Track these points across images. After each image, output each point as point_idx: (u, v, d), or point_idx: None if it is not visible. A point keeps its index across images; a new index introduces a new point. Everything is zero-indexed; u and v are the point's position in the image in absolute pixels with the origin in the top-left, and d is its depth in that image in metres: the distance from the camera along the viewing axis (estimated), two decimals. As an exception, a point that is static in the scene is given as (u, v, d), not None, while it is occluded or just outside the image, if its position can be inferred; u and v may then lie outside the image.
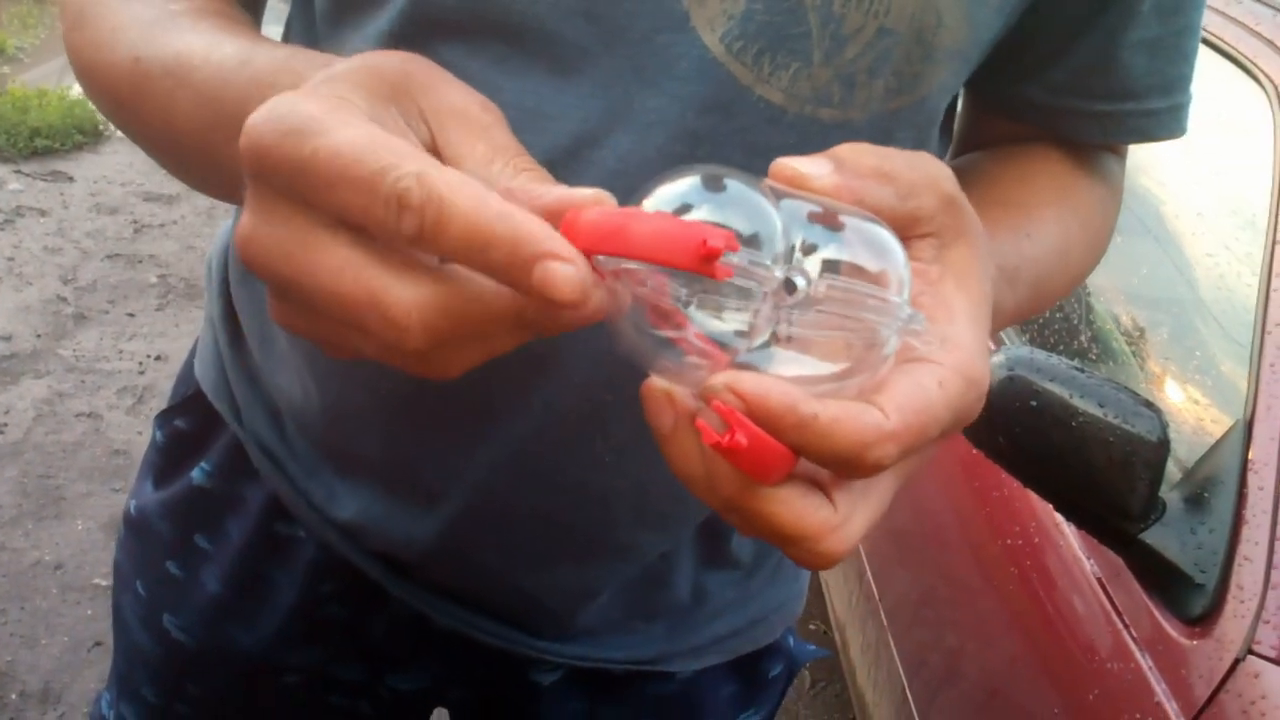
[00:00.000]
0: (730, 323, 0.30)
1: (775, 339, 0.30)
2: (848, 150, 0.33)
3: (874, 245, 0.31)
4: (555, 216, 0.30)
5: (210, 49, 0.41)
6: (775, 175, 0.33)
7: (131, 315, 2.96)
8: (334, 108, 0.30)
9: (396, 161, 0.28)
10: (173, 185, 3.75)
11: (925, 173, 0.34)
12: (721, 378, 0.29)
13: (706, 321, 0.30)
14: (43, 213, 3.47)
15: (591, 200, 0.31)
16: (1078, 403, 0.88)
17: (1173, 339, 1.36)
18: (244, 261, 0.31)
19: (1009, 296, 0.51)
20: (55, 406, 2.50)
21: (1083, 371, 0.91)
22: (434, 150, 0.33)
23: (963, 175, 0.55)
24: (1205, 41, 1.39)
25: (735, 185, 0.30)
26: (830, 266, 0.30)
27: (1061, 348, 1.39)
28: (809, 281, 0.30)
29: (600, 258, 0.29)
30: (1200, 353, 1.27)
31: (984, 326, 0.34)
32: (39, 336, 2.77)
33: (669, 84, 0.44)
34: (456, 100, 0.34)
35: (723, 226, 0.29)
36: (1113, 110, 0.56)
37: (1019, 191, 0.56)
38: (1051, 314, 1.46)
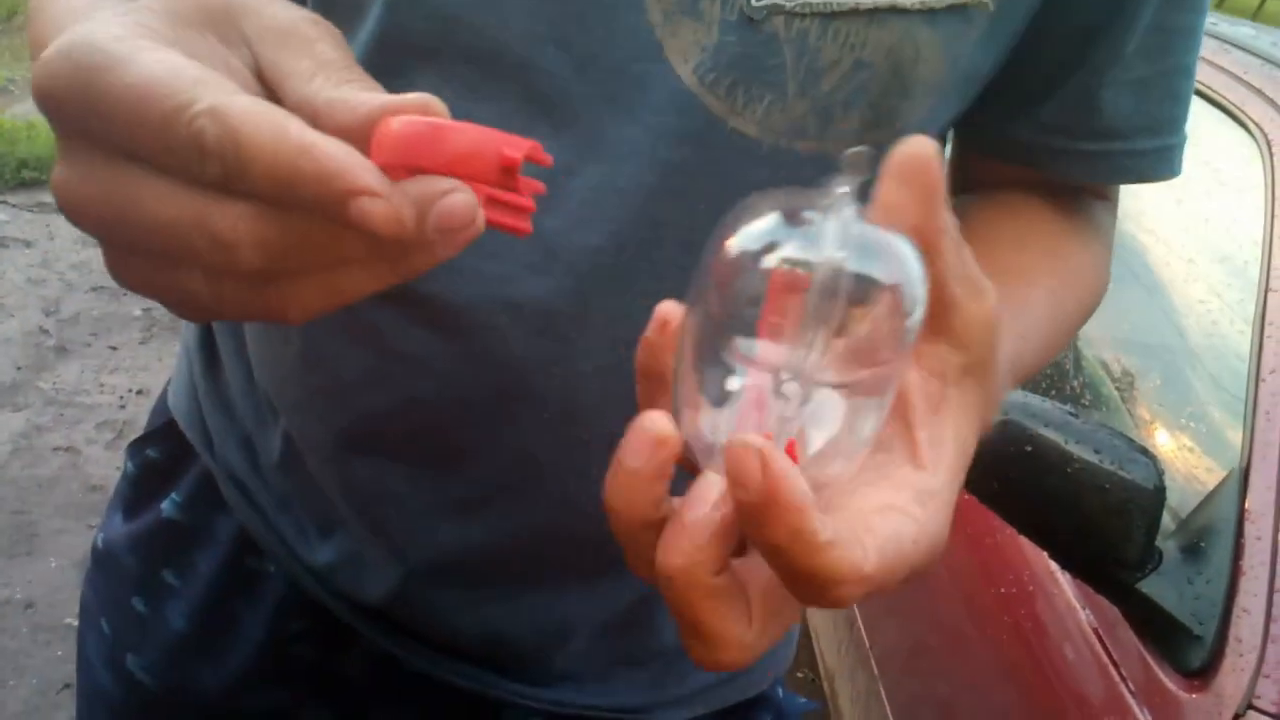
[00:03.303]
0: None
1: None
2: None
3: (897, 266, 0.28)
4: (374, 125, 0.28)
5: None
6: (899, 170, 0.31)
7: (114, 349, 2.92)
8: (130, 34, 0.28)
9: (191, 96, 0.26)
10: (161, 220, 3.71)
11: (989, 290, 0.32)
12: (760, 440, 0.26)
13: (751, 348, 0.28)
14: (28, 244, 3.44)
15: (415, 106, 0.28)
16: (1073, 448, 0.86)
17: (1165, 386, 1.36)
18: (66, 214, 0.29)
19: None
20: (32, 440, 2.46)
21: (1077, 417, 0.89)
22: (259, 74, 0.31)
23: (962, 223, 0.53)
24: (1194, 90, 1.40)
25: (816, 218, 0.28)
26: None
27: (1054, 393, 1.38)
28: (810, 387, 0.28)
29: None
30: (1192, 400, 1.26)
31: (962, 476, 0.32)
32: (19, 369, 2.73)
33: (643, 115, 0.43)
34: (281, 18, 0.31)
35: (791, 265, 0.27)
36: (1100, 150, 0.55)
37: (1016, 257, 0.55)
38: (1043, 359, 1.45)
